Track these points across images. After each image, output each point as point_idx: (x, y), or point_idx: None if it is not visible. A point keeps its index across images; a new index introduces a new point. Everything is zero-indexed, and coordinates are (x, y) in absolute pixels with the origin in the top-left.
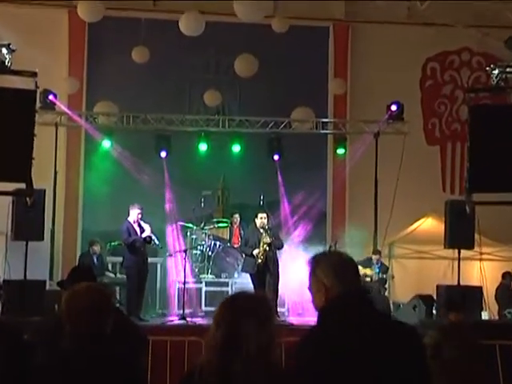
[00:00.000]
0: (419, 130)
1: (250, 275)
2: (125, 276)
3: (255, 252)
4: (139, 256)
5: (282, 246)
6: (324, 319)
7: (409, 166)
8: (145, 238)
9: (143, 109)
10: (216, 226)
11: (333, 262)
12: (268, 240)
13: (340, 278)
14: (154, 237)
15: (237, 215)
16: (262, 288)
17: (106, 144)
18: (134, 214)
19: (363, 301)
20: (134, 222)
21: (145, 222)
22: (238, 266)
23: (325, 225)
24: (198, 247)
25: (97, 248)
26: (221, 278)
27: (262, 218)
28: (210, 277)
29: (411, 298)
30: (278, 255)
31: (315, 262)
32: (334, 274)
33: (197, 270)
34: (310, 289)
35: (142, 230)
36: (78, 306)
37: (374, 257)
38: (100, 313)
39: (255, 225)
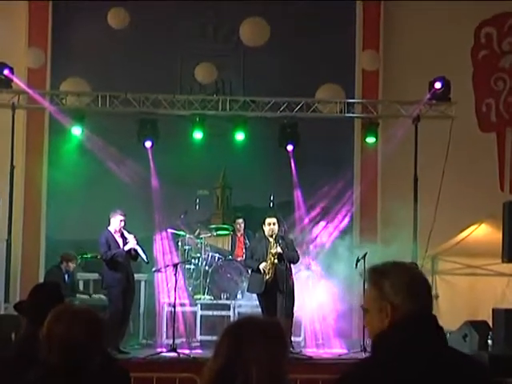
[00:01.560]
0: (470, 112)
1: (257, 296)
2: (101, 297)
3: (263, 266)
4: (122, 273)
5: (298, 259)
6: (383, 348)
7: (457, 159)
8: (129, 251)
9: (122, 87)
10: (215, 233)
11: (405, 276)
12: (279, 251)
13: (413, 298)
14: (139, 249)
15: (240, 220)
16: (272, 312)
17: (77, 131)
18: (116, 222)
19: (437, 330)
20: (116, 232)
21: (129, 231)
22: (242, 284)
23: (351, 232)
24: (193, 261)
25: (72, 265)
26: (220, 299)
27: (271, 223)
28: (207, 298)
29: (460, 324)
30: (292, 270)
31: (381, 274)
32: (406, 291)
33: (191, 289)
34: (365, 307)
35: (125, 242)
36: (62, 332)
37: None
38: (88, 343)
39: (263, 232)
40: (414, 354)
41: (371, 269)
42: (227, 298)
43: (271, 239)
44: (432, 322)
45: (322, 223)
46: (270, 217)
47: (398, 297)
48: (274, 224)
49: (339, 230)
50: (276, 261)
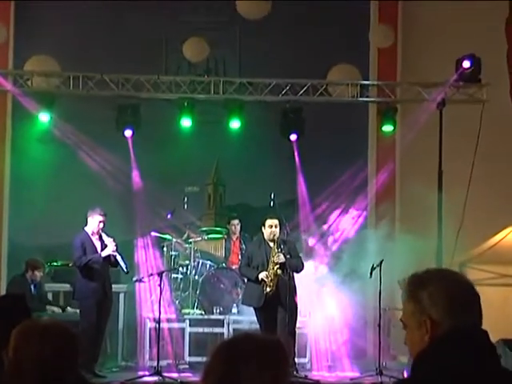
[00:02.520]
0: (504, 95)
1: (255, 310)
2: (75, 311)
3: (262, 276)
4: (98, 282)
5: (302, 268)
6: (423, 369)
7: (489, 150)
8: (107, 258)
9: (98, 67)
10: (206, 237)
11: (446, 285)
12: (281, 258)
13: (456, 310)
14: (119, 257)
15: (236, 222)
16: (272, 328)
17: (44, 118)
18: (94, 222)
19: (487, 348)
20: (93, 235)
21: (108, 235)
22: (238, 296)
23: (364, 236)
24: (180, 269)
25: (39, 273)
26: (212, 314)
27: (272, 226)
28: (196, 312)
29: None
30: (295, 280)
31: (420, 283)
32: (448, 303)
33: (178, 302)
34: (404, 322)
35: (104, 247)
36: (30, 352)
37: None
38: (63, 364)
39: (263, 236)
40: (459, 375)
41: (409, 277)
42: (220, 313)
43: (272, 244)
44: (480, 338)
45: (331, 225)
46: (270, 218)
47: (438, 309)
48: (275, 226)
49: (350, 234)
50: (279, 271)
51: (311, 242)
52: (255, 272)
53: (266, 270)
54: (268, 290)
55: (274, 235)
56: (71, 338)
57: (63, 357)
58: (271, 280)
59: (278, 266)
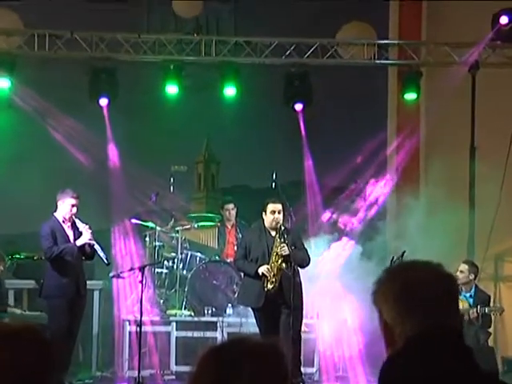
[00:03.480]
0: None
1: (254, 311)
2: (41, 313)
3: (263, 270)
4: (70, 278)
5: (309, 262)
6: (384, 379)
7: None
8: (82, 248)
9: (67, 23)
10: (195, 225)
11: (396, 284)
12: (286, 250)
13: (408, 313)
14: (97, 246)
15: (231, 206)
16: (273, 332)
17: (4, 83)
18: (66, 207)
19: (452, 349)
20: (65, 221)
21: (82, 221)
22: (234, 294)
23: (383, 223)
24: (165, 263)
25: None
26: (203, 315)
27: (274, 211)
28: (184, 314)
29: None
30: (300, 276)
31: (375, 286)
32: (395, 304)
33: (162, 301)
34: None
35: (78, 235)
36: (5, 361)
37: (461, 276)
38: (42, 373)
39: (263, 223)
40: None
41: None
42: (213, 314)
43: (274, 233)
44: (440, 344)
45: (343, 210)
46: (273, 202)
47: (389, 313)
48: (278, 212)
49: (363, 221)
50: (283, 265)
51: (318, 230)
52: (254, 266)
53: (268, 264)
54: (270, 286)
55: (277, 223)
56: (47, 344)
57: (42, 366)
58: (273, 275)
59: (281, 258)
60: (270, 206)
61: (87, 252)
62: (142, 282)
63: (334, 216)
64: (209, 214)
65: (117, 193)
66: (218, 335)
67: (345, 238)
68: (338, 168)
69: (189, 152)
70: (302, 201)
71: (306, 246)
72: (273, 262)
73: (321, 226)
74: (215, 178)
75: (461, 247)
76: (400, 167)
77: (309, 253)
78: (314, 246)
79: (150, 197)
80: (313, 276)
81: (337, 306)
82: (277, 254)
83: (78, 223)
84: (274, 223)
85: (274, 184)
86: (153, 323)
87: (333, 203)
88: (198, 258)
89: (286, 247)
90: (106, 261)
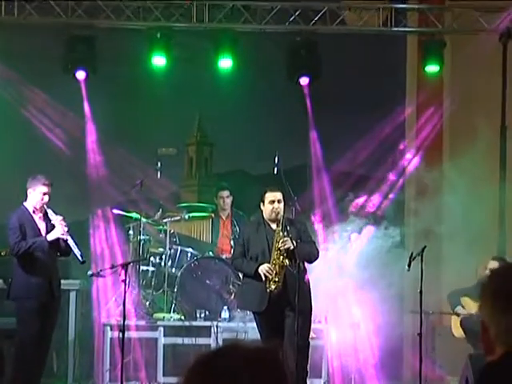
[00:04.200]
0: None
1: (255, 316)
2: (8, 320)
3: (265, 270)
4: (42, 277)
5: (317, 256)
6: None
7: None
8: (55, 243)
9: None
10: (186, 216)
11: (496, 281)
12: (289, 244)
13: (503, 311)
14: (71, 241)
15: (225, 194)
16: (277, 338)
17: None
18: (37, 195)
19: None
20: (36, 212)
21: (55, 212)
22: (230, 295)
23: (401, 213)
24: (152, 259)
25: None
26: (195, 319)
27: (273, 200)
28: (173, 317)
29: None
30: (307, 275)
31: (483, 283)
32: (491, 301)
33: (148, 303)
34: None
35: (51, 227)
36: None
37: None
38: None
39: (262, 214)
40: None
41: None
42: (206, 318)
43: (275, 226)
44: None
45: (354, 199)
46: (271, 190)
47: (488, 317)
48: (278, 201)
49: (378, 211)
50: (287, 261)
51: (327, 221)
52: (253, 265)
53: (269, 261)
54: (272, 287)
55: (277, 213)
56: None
57: None
58: (276, 274)
59: (284, 254)
60: (269, 195)
61: (62, 247)
62: (124, 281)
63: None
64: (201, 203)
65: (96, 179)
66: (212, 342)
67: (363, 228)
68: (349, 151)
69: (178, 132)
70: (308, 188)
71: (314, 240)
72: (274, 259)
73: (330, 215)
74: (208, 163)
75: (491, 230)
76: (421, 149)
77: (317, 246)
78: (324, 239)
79: (134, 184)
80: (322, 273)
81: (349, 307)
82: (278, 249)
83: (51, 214)
84: (273, 214)
85: (276, 169)
86: (137, 328)
87: (346, 189)
88: (189, 254)
89: (288, 241)
90: (80, 258)
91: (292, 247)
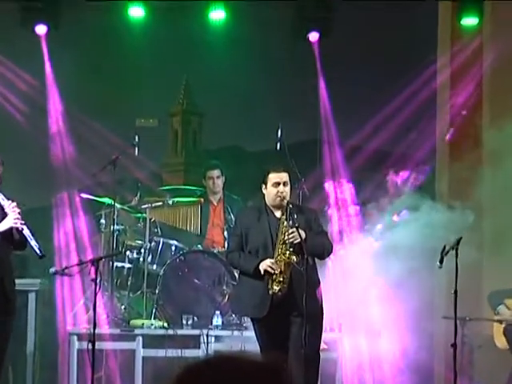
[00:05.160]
0: None
1: (254, 322)
2: None
3: (266, 266)
4: None
5: (331, 251)
6: None
7: None
8: (7, 234)
9: None
10: (170, 201)
11: None
12: (295, 237)
13: None
14: (27, 231)
15: (215, 173)
16: (280, 350)
17: None
18: None
19: None
20: None
21: (7, 197)
22: (224, 298)
23: (431, 196)
24: (129, 253)
25: None
26: (181, 327)
27: (278, 182)
28: (155, 325)
29: None
30: (318, 271)
31: None
32: None
33: (124, 307)
34: None
35: (2, 216)
36: None
37: None
38: None
39: (264, 201)
40: None
41: None
42: (194, 326)
43: (280, 214)
44: None
45: (374, 180)
46: (275, 170)
47: None
48: (284, 184)
49: (406, 194)
50: (294, 257)
51: (342, 209)
52: (254, 259)
53: (272, 257)
54: (276, 288)
55: (283, 198)
56: None
57: None
58: (281, 272)
59: (291, 249)
60: (273, 176)
61: (14, 239)
62: (95, 280)
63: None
64: (188, 185)
65: (60, 157)
66: (202, 354)
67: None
68: (367, 122)
69: (160, 100)
70: (317, 168)
71: (326, 230)
72: (279, 254)
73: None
74: (197, 137)
75: None
76: (455, 119)
77: (330, 241)
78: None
79: (107, 163)
80: (337, 272)
81: (368, 313)
82: (284, 242)
83: (2, 199)
84: (278, 199)
85: (278, 145)
86: (111, 338)
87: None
88: (173, 248)
89: (295, 233)
90: (38, 252)
91: (300, 240)
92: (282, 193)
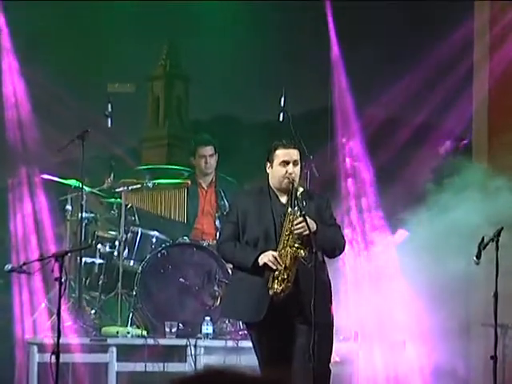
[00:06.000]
0: None
1: (249, 328)
2: None
3: (266, 260)
4: None
5: (343, 248)
6: None
7: None
8: None
9: None
10: (150, 183)
11: None
12: (303, 228)
13: None
14: None
15: (208, 150)
16: (281, 364)
17: None
18: None
19: None
20: None
21: None
22: (215, 300)
23: (469, 171)
24: (100, 247)
25: None
26: (164, 335)
27: (287, 161)
28: (132, 333)
29: None
30: (327, 269)
31: None
32: None
33: (95, 312)
34: None
35: None
36: None
37: None
38: None
39: (268, 183)
40: None
41: None
42: (179, 335)
43: (286, 199)
44: None
45: (396, 161)
46: (284, 146)
47: None
48: (294, 163)
49: (437, 174)
50: (301, 252)
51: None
52: (253, 251)
53: (275, 249)
54: (277, 287)
55: (291, 181)
56: None
57: None
58: (285, 268)
59: (298, 241)
60: (281, 153)
61: None
62: (59, 279)
63: None
64: (172, 165)
65: (18, 131)
66: (188, 369)
67: None
68: (390, 89)
69: (138, 61)
70: (328, 144)
71: (338, 223)
72: (284, 247)
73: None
74: (183, 105)
75: None
76: (493, 90)
77: (343, 235)
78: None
79: (74, 137)
80: (353, 270)
81: (390, 320)
82: (291, 232)
83: None
84: (286, 181)
85: (281, 115)
86: (79, 349)
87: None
88: (153, 240)
89: (304, 223)
90: None
91: (312, 230)
92: (291, 174)
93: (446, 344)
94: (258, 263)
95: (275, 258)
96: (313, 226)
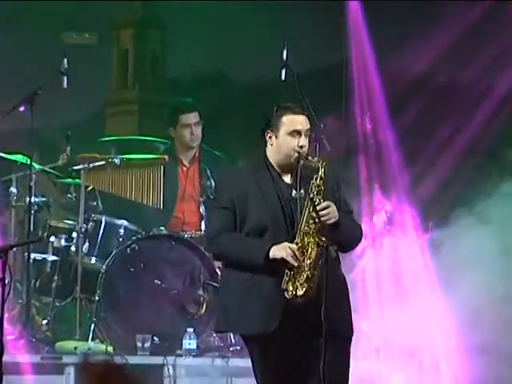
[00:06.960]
0: None
1: (249, 343)
2: None
3: (284, 252)
4: None
5: (359, 239)
6: None
7: None
8: None
9: None
10: (116, 160)
11: None
12: (329, 213)
13: None
14: None
15: (192, 117)
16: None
17: None
18: None
19: None
20: None
21: None
22: (200, 309)
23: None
24: (53, 241)
25: None
26: (135, 352)
27: (302, 130)
28: (94, 349)
29: None
30: (341, 268)
31: None
32: None
33: (46, 323)
34: None
35: None
36: None
37: None
38: None
39: (266, 157)
40: None
41: None
42: (154, 351)
43: (289, 179)
44: None
45: (434, 133)
46: (292, 111)
47: None
48: (306, 133)
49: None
50: (332, 247)
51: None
52: (262, 243)
53: (292, 241)
54: (298, 290)
55: (301, 155)
56: None
57: None
58: (310, 264)
59: (319, 229)
60: (289, 120)
61: None
62: (2, 280)
63: None
64: (145, 136)
65: None
66: None
67: None
68: (418, 40)
69: (102, 4)
70: (343, 109)
71: (351, 208)
72: (303, 239)
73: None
74: (159, 61)
75: None
76: None
77: (359, 224)
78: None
79: (21, 100)
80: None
81: (420, 335)
82: (314, 221)
83: None
84: (295, 155)
85: (284, 73)
86: (27, 369)
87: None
88: (121, 231)
89: (331, 209)
90: None
91: (335, 219)
92: (302, 147)
93: (491, 367)
94: (269, 258)
95: (293, 252)
96: (336, 213)
